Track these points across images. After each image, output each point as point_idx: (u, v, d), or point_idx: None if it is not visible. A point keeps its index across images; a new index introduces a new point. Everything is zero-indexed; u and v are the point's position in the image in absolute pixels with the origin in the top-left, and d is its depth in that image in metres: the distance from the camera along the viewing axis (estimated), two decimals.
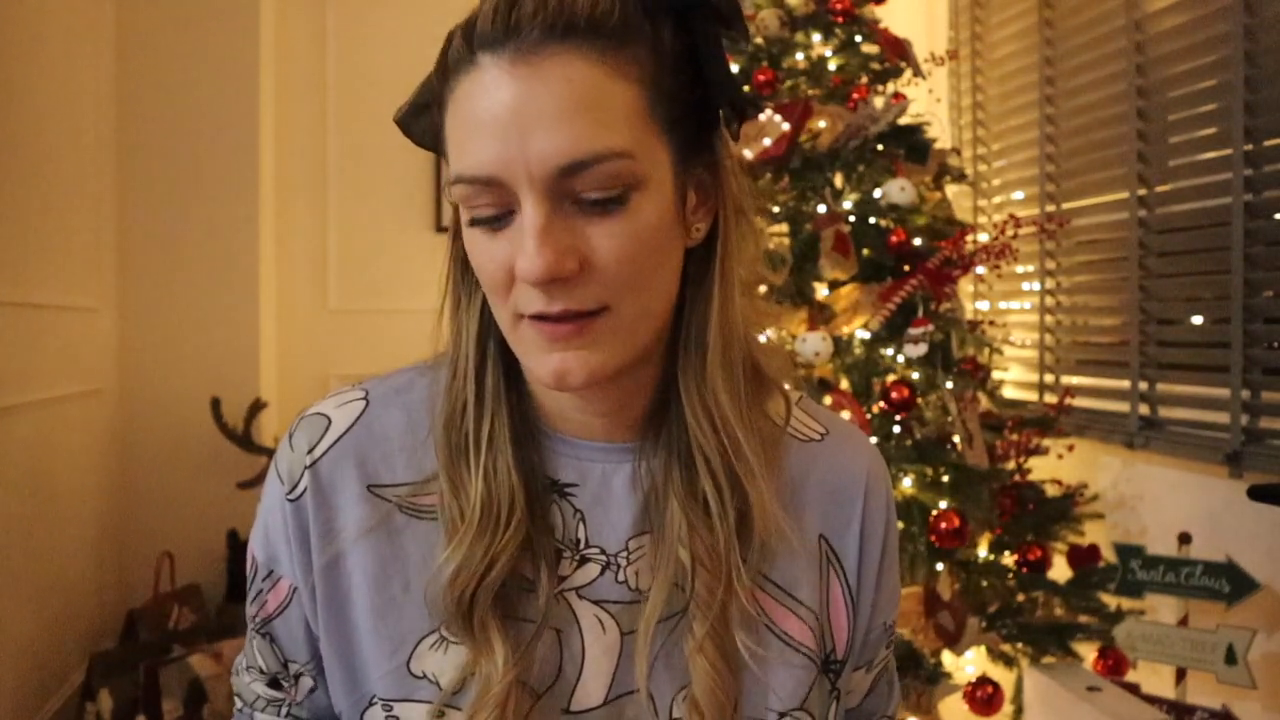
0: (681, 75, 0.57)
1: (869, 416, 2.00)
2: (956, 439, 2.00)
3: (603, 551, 0.63)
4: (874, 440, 2.00)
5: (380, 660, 0.61)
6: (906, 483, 2.00)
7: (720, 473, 0.62)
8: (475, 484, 0.61)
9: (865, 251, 2.07)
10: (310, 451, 0.63)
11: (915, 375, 2.04)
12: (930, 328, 1.99)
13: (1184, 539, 1.97)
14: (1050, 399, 2.53)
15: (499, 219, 0.55)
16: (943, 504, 1.94)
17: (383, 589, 0.61)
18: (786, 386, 0.70)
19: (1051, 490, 2.19)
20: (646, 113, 0.55)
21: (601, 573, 0.62)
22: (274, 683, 0.67)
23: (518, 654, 0.59)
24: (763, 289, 2.12)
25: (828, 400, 2.00)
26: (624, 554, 0.63)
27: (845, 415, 1.94)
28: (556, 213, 0.54)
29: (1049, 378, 2.74)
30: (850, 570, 0.67)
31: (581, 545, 0.63)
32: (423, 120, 0.63)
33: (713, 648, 0.60)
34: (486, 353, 0.63)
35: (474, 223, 0.57)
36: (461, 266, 0.64)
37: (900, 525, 1.97)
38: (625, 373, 0.60)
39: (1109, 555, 2.09)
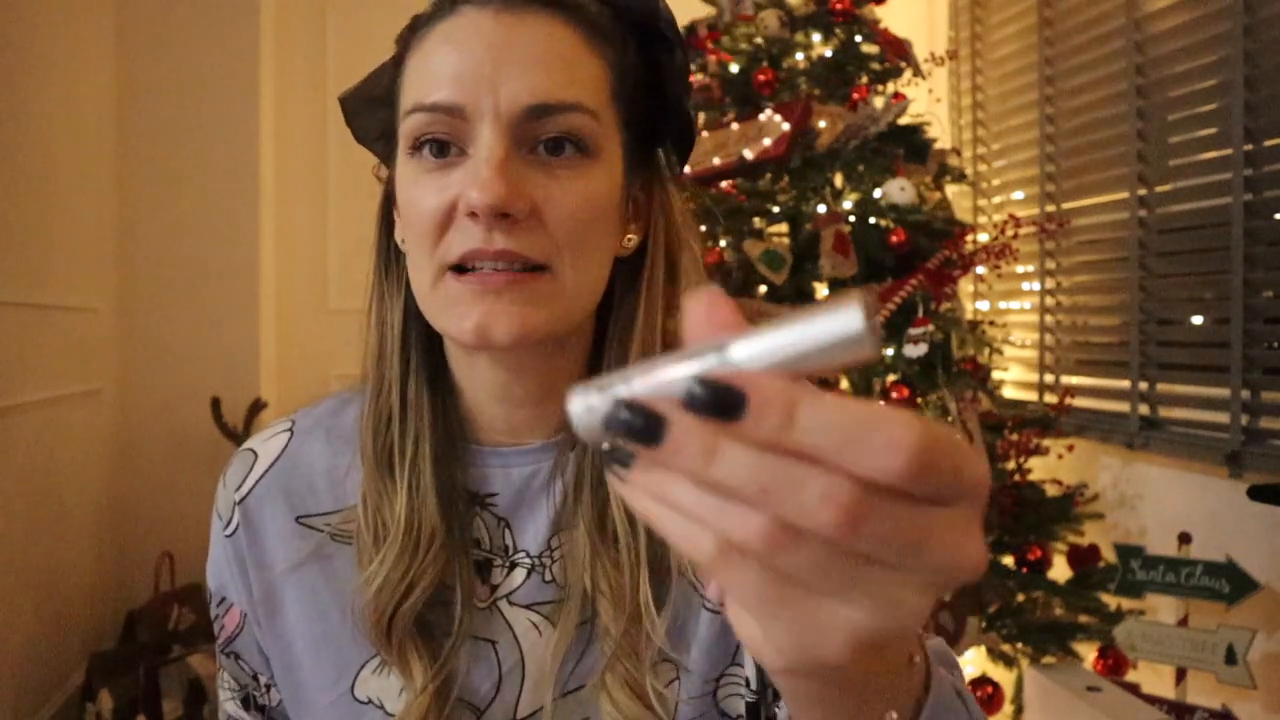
0: (640, 83, 0.61)
1: None
2: None
3: (528, 554, 0.63)
4: None
5: (325, 689, 0.61)
6: None
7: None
8: (400, 500, 0.60)
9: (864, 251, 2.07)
10: (239, 488, 0.64)
11: (915, 372, 2.04)
12: (930, 328, 1.99)
13: (1184, 539, 1.97)
14: (1050, 399, 2.53)
15: (447, 147, 0.56)
16: None
17: (322, 618, 0.62)
18: None
19: (1051, 490, 2.19)
20: (611, 93, 0.59)
21: (528, 575, 0.62)
22: (246, 700, 0.67)
23: (435, 668, 0.58)
24: (763, 289, 2.12)
25: None
26: (547, 553, 0.62)
27: None
28: (515, 155, 0.55)
29: (1049, 378, 2.74)
30: None
31: (510, 551, 0.63)
32: (370, 114, 0.64)
33: (618, 684, 0.58)
34: (410, 360, 0.63)
35: (420, 147, 0.56)
36: (387, 258, 0.64)
37: None
38: (549, 351, 0.60)
39: (1109, 555, 2.09)
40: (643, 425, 0.27)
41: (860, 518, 0.26)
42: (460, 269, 0.55)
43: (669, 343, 0.65)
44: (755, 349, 0.27)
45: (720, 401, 0.26)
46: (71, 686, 2.56)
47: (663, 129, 0.64)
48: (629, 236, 0.63)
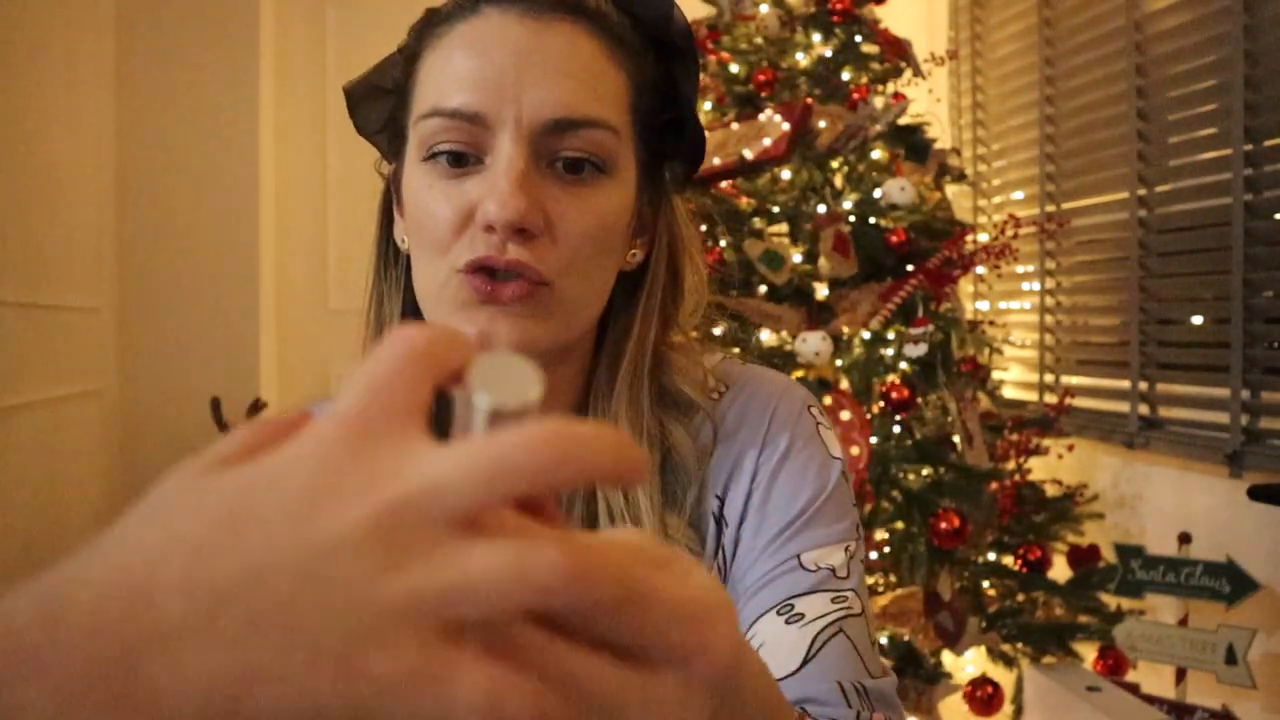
0: (656, 97, 0.60)
1: (869, 416, 2.00)
2: (956, 439, 2.00)
3: None
4: (874, 440, 2.00)
5: None
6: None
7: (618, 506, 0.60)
8: None
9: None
10: None
11: (915, 372, 2.04)
12: (930, 328, 1.99)
13: (1184, 539, 1.97)
14: (1050, 399, 2.53)
15: (464, 157, 0.54)
16: (943, 504, 1.94)
17: None
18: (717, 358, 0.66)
19: (1051, 490, 2.19)
20: (630, 107, 0.58)
21: None
22: None
23: None
24: (763, 289, 2.12)
25: (828, 400, 1.99)
26: None
27: (846, 415, 1.94)
28: (534, 168, 0.54)
29: (1049, 378, 2.74)
30: (738, 496, 0.62)
31: None
32: (375, 106, 0.63)
33: None
34: None
35: (435, 156, 0.55)
36: (385, 259, 0.64)
37: (900, 525, 1.97)
38: (550, 361, 0.58)
39: (1109, 555, 2.09)
40: None
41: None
42: (470, 269, 0.55)
43: (661, 359, 0.63)
44: None
45: None
46: None
47: (675, 144, 0.63)
48: (633, 252, 0.62)
